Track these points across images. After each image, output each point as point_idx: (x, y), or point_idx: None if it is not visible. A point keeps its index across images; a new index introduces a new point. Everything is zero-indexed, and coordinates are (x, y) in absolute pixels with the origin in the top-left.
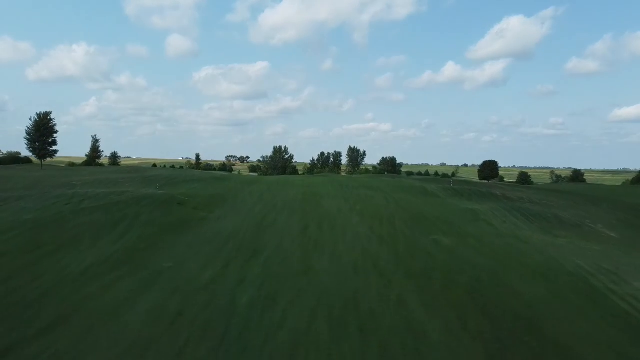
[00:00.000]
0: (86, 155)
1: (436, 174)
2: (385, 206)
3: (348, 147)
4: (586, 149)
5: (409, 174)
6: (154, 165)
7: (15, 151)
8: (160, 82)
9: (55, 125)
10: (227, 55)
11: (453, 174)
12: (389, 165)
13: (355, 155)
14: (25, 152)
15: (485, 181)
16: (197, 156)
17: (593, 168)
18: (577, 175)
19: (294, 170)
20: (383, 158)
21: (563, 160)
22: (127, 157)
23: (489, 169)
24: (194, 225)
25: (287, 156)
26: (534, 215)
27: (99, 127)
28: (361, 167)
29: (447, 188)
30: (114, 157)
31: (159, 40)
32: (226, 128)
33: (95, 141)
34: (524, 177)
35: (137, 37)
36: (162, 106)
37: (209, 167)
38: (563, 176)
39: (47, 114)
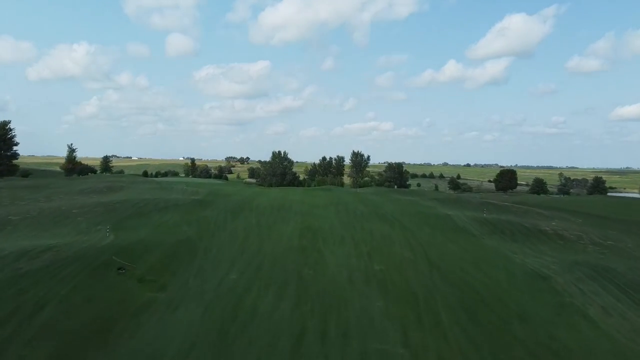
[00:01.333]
0: (60, 168)
1: (441, 176)
2: (413, 264)
3: (351, 151)
4: (588, 148)
5: (413, 176)
6: (145, 174)
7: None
8: (161, 82)
9: (14, 136)
10: (227, 55)
11: (458, 176)
12: (395, 172)
13: (359, 160)
14: (23, 153)
15: (503, 193)
16: (193, 160)
17: (595, 167)
18: (597, 183)
19: (293, 178)
20: (389, 164)
21: (565, 159)
22: (127, 157)
23: (507, 178)
24: (122, 329)
25: (286, 162)
26: (633, 287)
27: (99, 126)
28: (365, 171)
29: (480, 219)
30: (106, 160)
31: (160, 40)
32: (227, 127)
33: (71, 150)
34: (539, 185)
35: (137, 37)
36: (163, 105)
37: (206, 171)
38: (572, 178)
39: (5, 123)
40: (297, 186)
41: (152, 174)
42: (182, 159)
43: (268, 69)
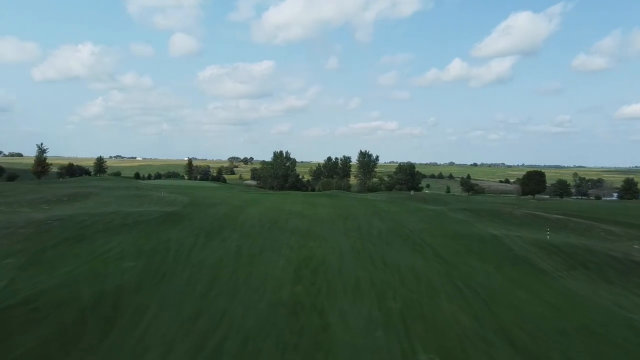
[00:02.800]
0: (32, 172)
1: (450, 176)
2: (482, 342)
3: (359, 151)
4: (593, 147)
5: (422, 176)
6: (137, 176)
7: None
8: (166, 82)
9: None
10: (231, 54)
11: (468, 176)
12: (406, 174)
13: (367, 160)
14: (27, 153)
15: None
16: (190, 161)
17: (601, 166)
18: (629, 185)
19: (296, 180)
20: (399, 165)
21: (571, 158)
22: (132, 158)
23: (535, 181)
24: None
25: (288, 163)
26: None
27: (104, 127)
28: (374, 172)
29: (541, 244)
30: (100, 161)
31: (163, 40)
32: (231, 127)
33: (42, 151)
34: (562, 187)
35: (141, 37)
36: (168, 106)
37: (205, 172)
38: (587, 179)
39: None
40: (300, 189)
41: (146, 176)
42: (186, 159)
43: (272, 69)
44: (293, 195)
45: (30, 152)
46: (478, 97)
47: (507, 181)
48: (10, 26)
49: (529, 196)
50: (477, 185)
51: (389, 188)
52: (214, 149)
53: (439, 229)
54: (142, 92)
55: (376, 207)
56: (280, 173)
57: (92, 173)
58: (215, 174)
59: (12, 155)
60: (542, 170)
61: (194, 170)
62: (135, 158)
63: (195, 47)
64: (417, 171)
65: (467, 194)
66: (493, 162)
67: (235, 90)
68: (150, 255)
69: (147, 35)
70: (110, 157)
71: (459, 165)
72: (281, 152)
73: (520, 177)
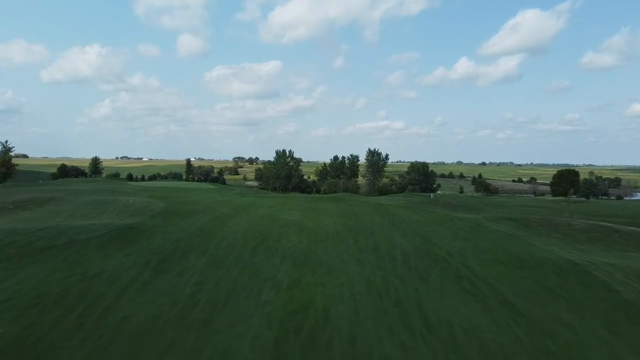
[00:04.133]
0: None
1: (461, 175)
2: None
3: (367, 149)
4: (603, 145)
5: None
6: (130, 177)
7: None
8: (173, 83)
9: None
10: (237, 55)
11: (480, 175)
12: (420, 173)
13: (376, 159)
14: (33, 154)
15: (563, 199)
16: (188, 161)
17: (611, 164)
18: None
19: (300, 180)
20: (412, 164)
21: (580, 156)
22: (138, 159)
23: (567, 180)
24: None
25: (292, 162)
26: None
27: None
28: (383, 172)
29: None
30: (95, 161)
31: (170, 41)
32: (239, 128)
33: (6, 150)
34: (589, 187)
35: (147, 38)
36: (175, 106)
37: (206, 172)
38: (604, 177)
39: None
40: (305, 190)
41: (143, 177)
42: (193, 159)
43: (278, 69)
44: (294, 199)
45: (37, 154)
46: (486, 95)
47: (519, 180)
48: (18, 29)
49: (560, 197)
50: (490, 185)
51: (401, 189)
52: (222, 150)
53: (486, 250)
54: (150, 93)
55: (394, 214)
56: (283, 173)
57: (88, 174)
58: (216, 175)
59: (17, 156)
60: (560, 169)
61: (195, 171)
62: (141, 159)
63: (201, 47)
64: (431, 170)
65: (480, 194)
66: (502, 161)
67: (242, 90)
68: (45, 311)
69: (154, 36)
70: (117, 157)
71: (467, 164)
72: (284, 150)
73: (532, 176)
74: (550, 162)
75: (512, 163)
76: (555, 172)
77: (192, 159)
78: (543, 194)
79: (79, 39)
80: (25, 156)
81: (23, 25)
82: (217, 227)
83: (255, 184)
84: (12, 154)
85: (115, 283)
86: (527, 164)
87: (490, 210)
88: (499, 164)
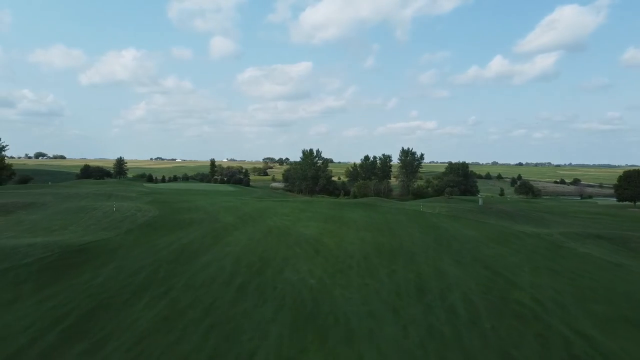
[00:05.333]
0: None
1: (499, 176)
2: None
3: (400, 148)
4: None
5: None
6: (150, 179)
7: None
8: (206, 85)
9: None
10: (269, 56)
11: (519, 177)
12: (459, 174)
13: (410, 159)
14: (71, 156)
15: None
16: (212, 162)
17: None
18: None
19: (327, 182)
20: (450, 163)
21: (621, 156)
22: (172, 160)
23: (636, 184)
24: None
25: (320, 162)
26: None
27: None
28: (418, 174)
29: None
30: (120, 162)
31: (203, 43)
32: (270, 129)
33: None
34: None
35: (181, 41)
36: (208, 108)
37: (231, 173)
38: None
39: None
40: (333, 193)
41: (161, 178)
42: (225, 160)
43: (309, 70)
44: (317, 205)
45: (76, 155)
46: (521, 94)
47: (562, 182)
48: (58, 34)
49: (626, 203)
50: (534, 187)
51: (438, 192)
52: (253, 151)
53: (594, 295)
54: (183, 95)
55: (438, 227)
56: (310, 174)
57: (113, 175)
58: (242, 176)
59: (54, 157)
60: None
61: (224, 172)
62: (174, 160)
63: (233, 49)
64: (471, 171)
65: (521, 196)
66: (539, 162)
67: (274, 91)
68: None
69: (187, 39)
70: (151, 158)
71: (503, 164)
72: (311, 150)
73: (573, 177)
74: (590, 163)
75: (550, 163)
76: (594, 172)
77: (224, 160)
78: (590, 196)
79: (116, 43)
80: (62, 157)
81: (62, 30)
82: (206, 247)
83: (281, 185)
84: (51, 155)
85: None
86: (565, 164)
87: (560, 222)
88: (536, 165)
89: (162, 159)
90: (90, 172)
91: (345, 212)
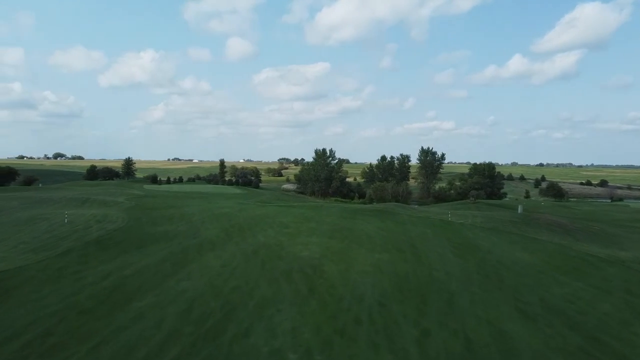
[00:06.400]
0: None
1: (522, 177)
2: None
3: (420, 148)
4: None
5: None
6: (154, 180)
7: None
8: (223, 85)
9: None
10: (285, 57)
11: (543, 178)
12: (484, 176)
13: (431, 160)
14: (91, 157)
15: None
16: (222, 163)
17: None
18: None
19: (341, 184)
20: (474, 165)
21: None
22: (189, 160)
23: None
24: None
25: (333, 162)
26: None
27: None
28: (438, 175)
29: None
30: (128, 163)
31: (219, 44)
32: (287, 129)
33: None
34: None
35: (198, 42)
36: (225, 109)
37: (243, 174)
38: None
39: None
40: (346, 195)
41: (168, 179)
42: (242, 160)
43: (326, 70)
44: (326, 211)
45: (96, 156)
46: (540, 94)
47: (588, 183)
48: (78, 36)
49: None
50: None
51: (462, 195)
52: (270, 151)
53: None
54: (201, 96)
55: (478, 248)
56: (322, 175)
57: (121, 175)
58: (253, 177)
59: (73, 158)
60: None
61: (237, 173)
62: (191, 160)
63: (250, 50)
64: (499, 172)
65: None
66: (560, 162)
67: (290, 92)
68: None
69: (204, 40)
70: (168, 159)
71: (523, 165)
72: (324, 149)
73: (598, 178)
74: (613, 163)
75: (571, 164)
76: (620, 173)
77: (240, 161)
78: (621, 199)
79: (134, 45)
80: (80, 158)
81: (82, 32)
82: (154, 282)
83: (292, 187)
84: (70, 156)
85: None
86: (587, 165)
87: (630, 239)
88: (557, 165)
89: (179, 160)
90: (97, 173)
91: (357, 222)
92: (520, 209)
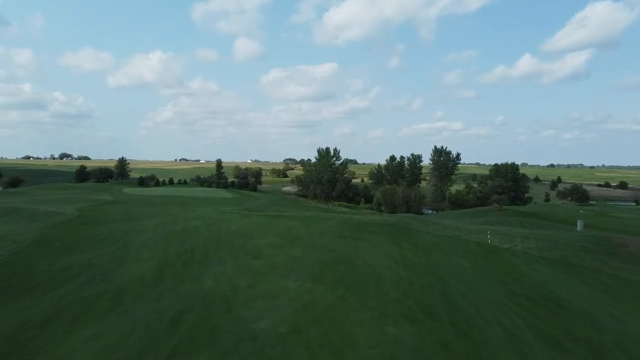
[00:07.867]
0: None
1: (537, 179)
2: None
3: (433, 147)
4: None
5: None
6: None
7: (84, 156)
8: (231, 86)
9: None
10: (293, 57)
11: (559, 179)
12: (507, 178)
13: (444, 160)
14: (99, 157)
15: None
16: (218, 163)
17: None
18: None
19: (346, 187)
20: (495, 165)
21: None
22: (196, 160)
23: None
24: None
25: (338, 162)
26: None
27: (175, 131)
28: (453, 176)
29: None
30: (122, 163)
31: (227, 45)
32: (295, 130)
33: None
34: None
35: (205, 42)
36: (233, 109)
37: (244, 175)
38: None
39: None
40: (352, 199)
41: (165, 180)
42: (249, 161)
43: (333, 70)
44: (322, 225)
45: (105, 156)
46: (550, 94)
47: (607, 185)
48: (87, 38)
49: None
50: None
51: (482, 199)
52: (278, 152)
53: None
54: (209, 96)
55: (560, 307)
56: (325, 177)
57: (114, 176)
58: (253, 178)
59: (79, 158)
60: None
61: (239, 174)
62: (199, 160)
63: (257, 50)
64: (523, 174)
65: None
66: (570, 163)
67: (298, 92)
68: None
69: (212, 40)
70: (175, 159)
71: (533, 166)
72: (327, 149)
73: (612, 179)
74: (624, 164)
75: (582, 165)
76: (635, 174)
77: (248, 161)
78: None
79: (142, 46)
80: (87, 158)
81: (91, 34)
82: None
83: (293, 189)
84: (76, 156)
85: None
86: (598, 165)
87: None
88: (568, 166)
89: (187, 160)
90: (89, 174)
91: (361, 247)
92: (579, 226)
